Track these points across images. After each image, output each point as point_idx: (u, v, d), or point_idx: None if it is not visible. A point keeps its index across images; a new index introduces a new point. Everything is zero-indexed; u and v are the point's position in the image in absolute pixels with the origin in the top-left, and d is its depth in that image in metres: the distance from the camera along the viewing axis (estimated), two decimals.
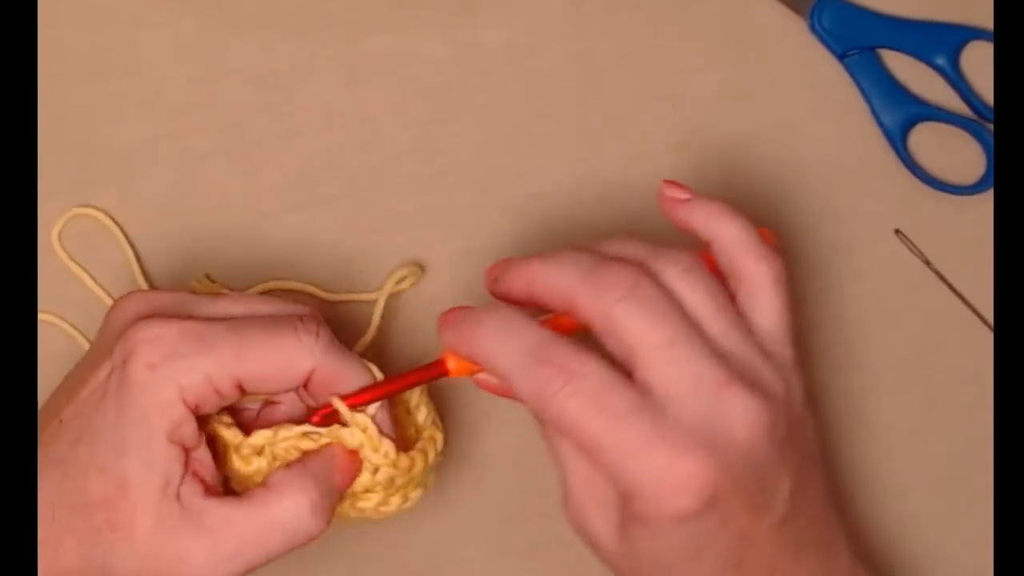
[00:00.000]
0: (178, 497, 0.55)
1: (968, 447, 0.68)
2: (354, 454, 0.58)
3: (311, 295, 0.68)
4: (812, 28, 0.70)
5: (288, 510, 0.56)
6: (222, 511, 0.56)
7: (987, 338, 0.69)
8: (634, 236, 0.58)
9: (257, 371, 0.56)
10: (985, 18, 0.70)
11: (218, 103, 0.69)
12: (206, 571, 0.55)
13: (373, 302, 0.67)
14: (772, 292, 0.58)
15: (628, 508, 0.55)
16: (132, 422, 0.55)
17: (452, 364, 0.58)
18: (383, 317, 0.67)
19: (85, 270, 0.69)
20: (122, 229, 0.68)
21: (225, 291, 0.65)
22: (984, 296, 0.69)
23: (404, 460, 0.59)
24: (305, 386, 0.58)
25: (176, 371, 0.55)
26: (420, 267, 0.68)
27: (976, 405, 0.69)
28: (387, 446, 0.58)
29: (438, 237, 0.69)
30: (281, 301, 0.60)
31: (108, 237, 0.68)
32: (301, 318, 0.57)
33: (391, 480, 0.59)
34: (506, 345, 0.55)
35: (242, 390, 0.56)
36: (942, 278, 0.69)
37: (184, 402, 0.55)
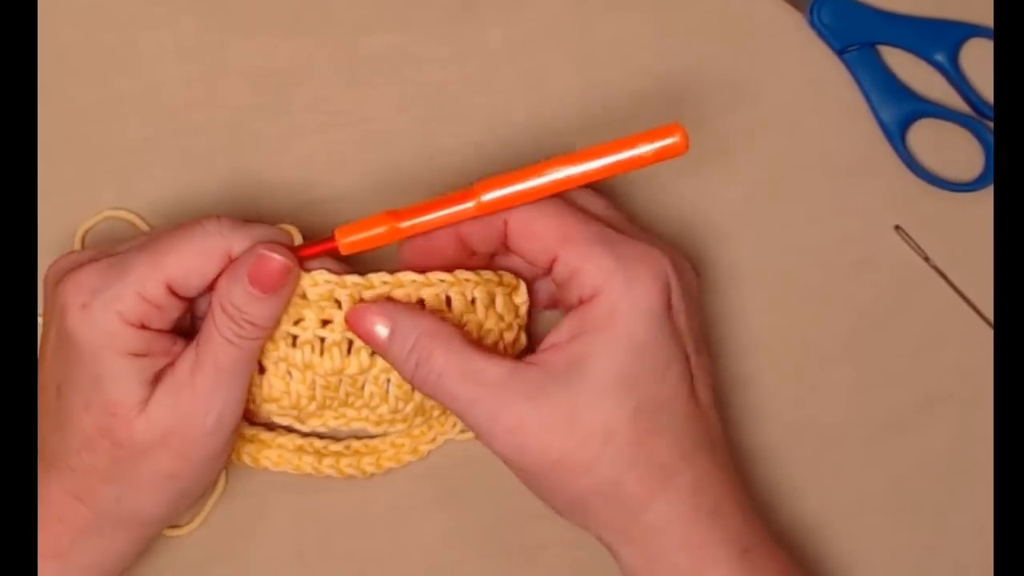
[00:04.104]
0: (159, 383, 0.60)
1: (967, 443, 0.68)
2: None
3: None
4: (811, 24, 0.70)
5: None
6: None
7: (987, 334, 0.69)
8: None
9: (178, 268, 0.59)
10: (985, 15, 0.70)
11: (218, 103, 0.69)
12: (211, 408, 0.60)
13: None
14: None
15: None
16: (91, 358, 0.59)
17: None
18: None
19: None
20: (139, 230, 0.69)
21: None
22: (983, 293, 0.69)
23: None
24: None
25: (107, 301, 0.59)
26: None
27: (975, 401, 0.69)
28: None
29: None
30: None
31: (116, 236, 0.69)
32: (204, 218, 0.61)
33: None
34: None
35: (176, 294, 0.60)
36: (942, 274, 0.69)
37: (128, 323, 0.59)
